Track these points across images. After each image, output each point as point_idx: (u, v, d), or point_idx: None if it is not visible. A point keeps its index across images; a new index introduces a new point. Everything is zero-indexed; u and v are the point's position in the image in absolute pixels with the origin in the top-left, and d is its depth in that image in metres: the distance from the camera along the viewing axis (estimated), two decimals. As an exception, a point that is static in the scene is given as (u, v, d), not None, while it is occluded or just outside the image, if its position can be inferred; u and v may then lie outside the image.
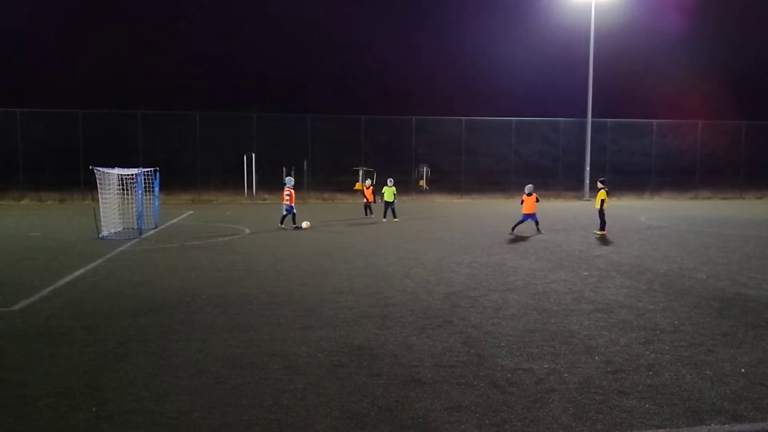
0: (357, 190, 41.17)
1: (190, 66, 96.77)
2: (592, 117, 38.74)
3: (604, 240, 16.90)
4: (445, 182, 41.64)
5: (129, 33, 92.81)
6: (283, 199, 19.61)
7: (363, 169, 42.56)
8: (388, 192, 22.83)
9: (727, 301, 9.16)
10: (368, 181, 24.75)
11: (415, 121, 39.14)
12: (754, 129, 42.84)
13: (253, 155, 38.28)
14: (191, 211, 27.21)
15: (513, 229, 18.21)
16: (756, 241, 16.61)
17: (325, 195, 37.70)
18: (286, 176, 19.78)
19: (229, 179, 38.92)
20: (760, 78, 76.53)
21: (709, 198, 39.27)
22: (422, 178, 46.55)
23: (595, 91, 38.31)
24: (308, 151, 39.29)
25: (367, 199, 24.04)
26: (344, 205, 34.06)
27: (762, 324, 7.84)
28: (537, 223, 18.32)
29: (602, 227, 18.18)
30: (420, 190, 42.29)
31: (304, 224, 19.75)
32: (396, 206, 23.08)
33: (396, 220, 22.57)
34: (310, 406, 5.17)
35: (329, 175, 41.84)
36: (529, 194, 18.05)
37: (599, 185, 18.64)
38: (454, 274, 11.55)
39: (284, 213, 19.62)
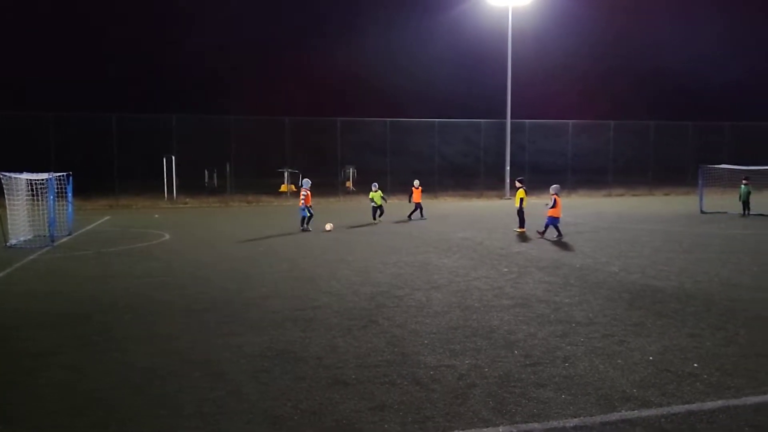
0: (283, 192, 40.77)
1: (105, 65, 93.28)
2: (511, 118, 39.84)
3: (523, 237, 17.41)
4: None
5: (38, 29, 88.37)
6: (299, 201, 19.61)
7: (288, 171, 42.20)
8: (376, 196, 23.31)
9: (637, 293, 9.64)
10: (416, 182, 24.52)
11: (340, 122, 39.08)
12: (661, 129, 45.29)
13: (173, 158, 37.24)
14: (108, 217, 26.21)
15: (543, 235, 17.28)
16: (664, 236, 17.55)
17: (250, 198, 37.09)
18: (303, 179, 19.61)
19: (149, 183, 37.63)
20: (666, 79, 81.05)
21: (621, 195, 41.12)
22: (349, 180, 46.67)
23: (513, 93, 39.42)
24: (231, 153, 38.56)
25: (415, 200, 24.15)
26: (269, 207, 33.65)
27: (669, 314, 8.29)
28: (551, 227, 17.18)
29: (521, 225, 18.72)
30: (347, 192, 42.34)
31: (328, 226, 19.56)
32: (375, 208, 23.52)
33: (378, 221, 23.02)
34: (232, 412, 5.09)
35: (253, 178, 41.15)
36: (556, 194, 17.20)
37: (517, 185, 19.17)
38: (380, 274, 11.63)
39: (304, 215, 19.47)
